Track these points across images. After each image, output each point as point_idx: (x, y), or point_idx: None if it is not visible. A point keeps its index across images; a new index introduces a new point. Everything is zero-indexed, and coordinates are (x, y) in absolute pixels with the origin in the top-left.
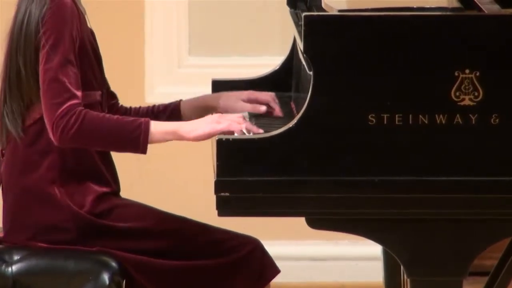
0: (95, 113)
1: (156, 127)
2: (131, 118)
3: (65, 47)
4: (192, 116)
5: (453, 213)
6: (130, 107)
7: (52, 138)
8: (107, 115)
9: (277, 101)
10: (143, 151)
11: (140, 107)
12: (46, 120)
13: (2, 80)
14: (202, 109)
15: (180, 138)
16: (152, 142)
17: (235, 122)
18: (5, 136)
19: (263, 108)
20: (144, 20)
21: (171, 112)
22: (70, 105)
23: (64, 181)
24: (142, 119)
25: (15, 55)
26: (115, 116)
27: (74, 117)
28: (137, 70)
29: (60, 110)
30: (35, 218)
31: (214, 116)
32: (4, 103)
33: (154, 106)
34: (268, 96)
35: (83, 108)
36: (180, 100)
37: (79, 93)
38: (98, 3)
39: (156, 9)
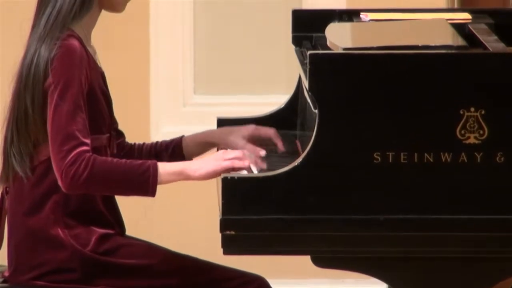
0: (103, 158)
1: (165, 168)
2: (139, 162)
3: (73, 93)
4: (195, 152)
5: (459, 251)
6: (134, 144)
7: (61, 185)
8: (115, 160)
9: (279, 137)
10: (153, 194)
11: (144, 143)
12: (54, 167)
13: (9, 120)
14: (204, 145)
15: (187, 178)
16: (161, 183)
17: (238, 159)
18: (11, 176)
19: (262, 153)
20: (149, 59)
21: (173, 149)
22: (78, 152)
23: (68, 221)
24: (150, 162)
25: (23, 94)
26: (123, 161)
27: (83, 164)
28: (142, 109)
29: (68, 158)
30: (40, 259)
31: (219, 154)
32: (11, 144)
33: (157, 142)
34: (270, 131)
35: (91, 154)
36: (182, 136)
37: (87, 140)
38: (104, 41)
39: (161, 48)
